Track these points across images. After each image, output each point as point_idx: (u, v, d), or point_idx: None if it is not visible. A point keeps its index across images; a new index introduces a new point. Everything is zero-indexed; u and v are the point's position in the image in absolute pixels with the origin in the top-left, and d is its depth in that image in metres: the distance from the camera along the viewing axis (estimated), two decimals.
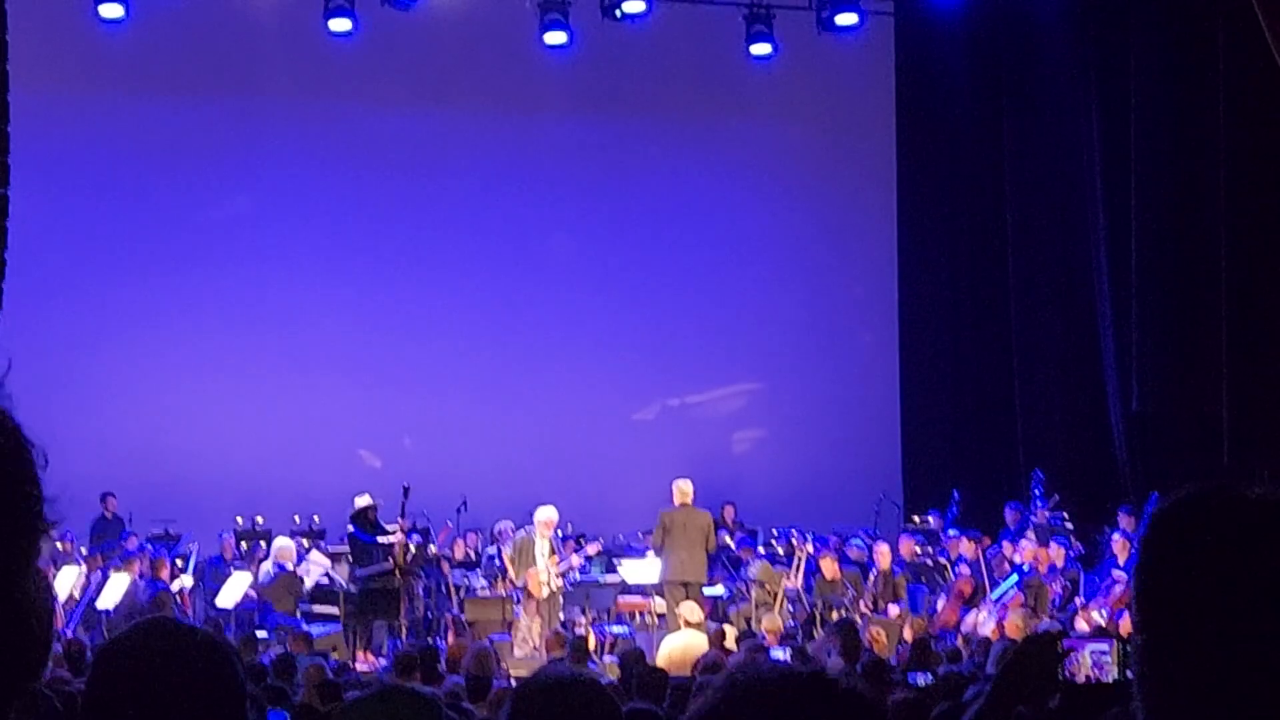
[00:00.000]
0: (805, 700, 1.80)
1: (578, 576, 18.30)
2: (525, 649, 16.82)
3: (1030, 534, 18.81)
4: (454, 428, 22.45)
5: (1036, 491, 19.81)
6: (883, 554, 18.40)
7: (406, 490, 17.78)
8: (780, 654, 13.52)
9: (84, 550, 19.07)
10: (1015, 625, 16.05)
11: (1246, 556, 1.93)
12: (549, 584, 17.38)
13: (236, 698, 2.50)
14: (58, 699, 7.62)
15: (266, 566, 18.55)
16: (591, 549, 18.72)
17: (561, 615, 17.63)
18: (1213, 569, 1.93)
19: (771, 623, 16.27)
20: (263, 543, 19.73)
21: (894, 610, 17.62)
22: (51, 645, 2.16)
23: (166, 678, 2.43)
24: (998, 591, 17.48)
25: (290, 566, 18.46)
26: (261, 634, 17.08)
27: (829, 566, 18.18)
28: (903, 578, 18.37)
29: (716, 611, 18.17)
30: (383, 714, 3.52)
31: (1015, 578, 17.53)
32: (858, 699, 1.85)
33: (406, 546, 17.95)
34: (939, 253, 23.71)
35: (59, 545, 18.96)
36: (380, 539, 17.95)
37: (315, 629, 17.13)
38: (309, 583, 18.38)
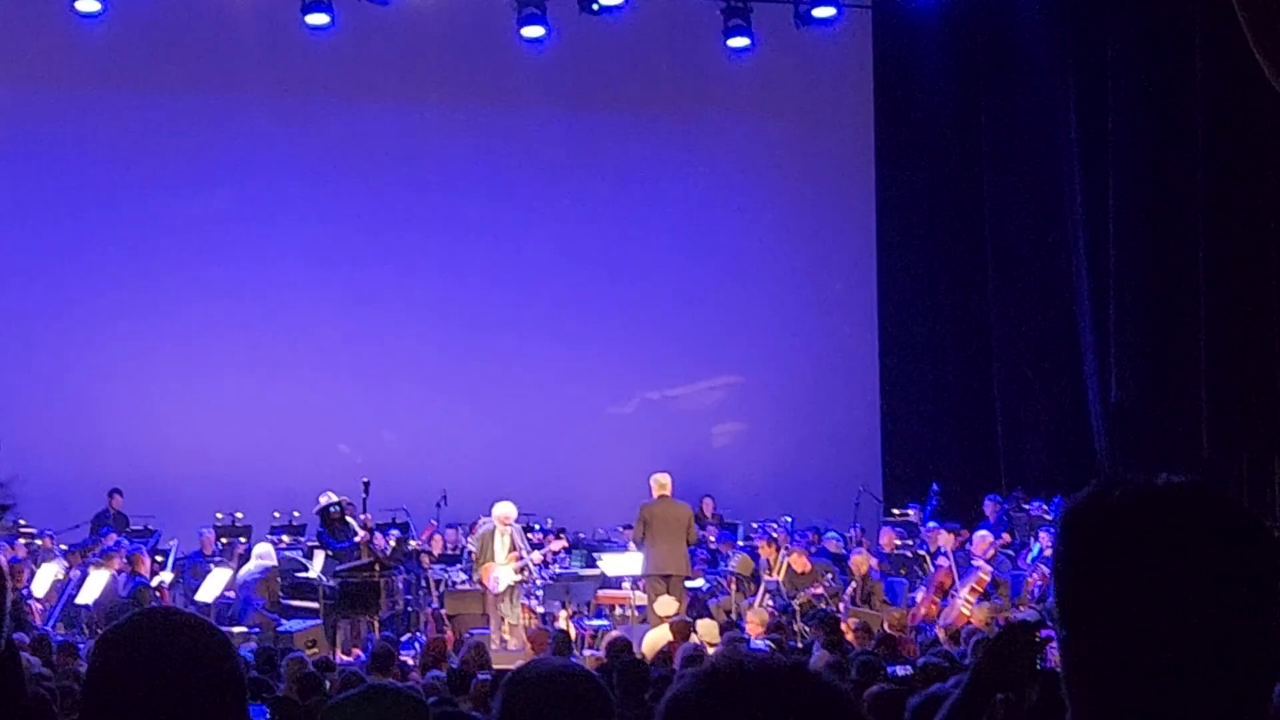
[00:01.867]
0: (785, 691, 1.79)
1: (557, 570, 18.33)
2: (495, 643, 16.86)
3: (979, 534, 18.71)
4: (434, 422, 22.43)
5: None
6: (858, 562, 18.31)
7: (366, 485, 17.88)
8: (761, 645, 13.55)
9: (64, 546, 19.02)
10: (980, 616, 16.13)
11: (1156, 546, 1.93)
12: (507, 578, 17.43)
13: (236, 686, 2.51)
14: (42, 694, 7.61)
15: (250, 567, 18.44)
16: (556, 544, 18.78)
17: (540, 608, 17.64)
18: (1125, 561, 1.93)
19: (757, 615, 16.30)
20: (242, 538, 19.69)
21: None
22: (5, 621, 2.15)
23: (167, 666, 2.43)
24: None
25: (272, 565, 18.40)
26: (240, 629, 17.07)
27: (799, 561, 18.19)
28: (878, 584, 18.31)
29: (696, 604, 18.18)
30: (371, 714, 3.51)
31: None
32: (837, 692, 1.84)
33: (370, 542, 18.02)
34: (918, 245, 23.71)
35: (39, 542, 18.94)
36: (347, 541, 18.04)
37: (294, 624, 17.14)
38: (314, 571, 18.37)
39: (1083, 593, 1.96)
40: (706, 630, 15.51)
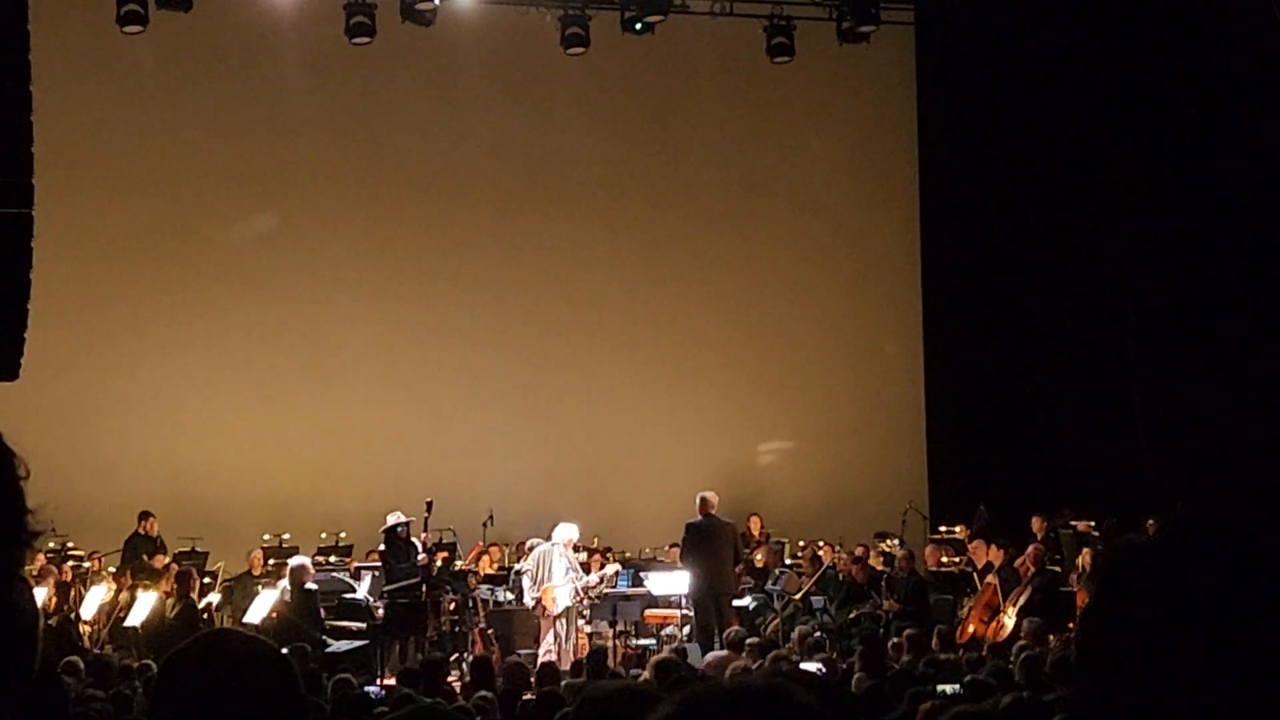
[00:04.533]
0: (758, 713, 1.78)
1: (604, 592, 18.32)
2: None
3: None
4: (480, 442, 22.46)
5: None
6: (903, 556, 18.69)
7: (429, 505, 17.84)
8: (809, 666, 13.49)
9: (112, 569, 19.06)
10: (1026, 631, 16.08)
11: (1184, 589, 1.83)
12: (564, 599, 17.42)
13: (299, 707, 2.52)
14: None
15: (283, 584, 18.15)
16: (609, 569, 18.75)
17: (588, 628, 17.64)
18: (1141, 608, 1.84)
19: (800, 634, 16.25)
20: (289, 560, 19.69)
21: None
22: (38, 650, 2.18)
23: (232, 689, 2.45)
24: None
25: (310, 585, 17.99)
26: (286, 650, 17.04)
27: (860, 573, 18.39)
28: (930, 589, 18.40)
29: (744, 623, 18.15)
30: None
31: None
32: (813, 713, 1.81)
33: (433, 560, 18.03)
34: (963, 263, 23.65)
35: (86, 564, 19.00)
36: (406, 565, 18.03)
37: (342, 645, 17.13)
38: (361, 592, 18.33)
39: (1104, 640, 1.86)
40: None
